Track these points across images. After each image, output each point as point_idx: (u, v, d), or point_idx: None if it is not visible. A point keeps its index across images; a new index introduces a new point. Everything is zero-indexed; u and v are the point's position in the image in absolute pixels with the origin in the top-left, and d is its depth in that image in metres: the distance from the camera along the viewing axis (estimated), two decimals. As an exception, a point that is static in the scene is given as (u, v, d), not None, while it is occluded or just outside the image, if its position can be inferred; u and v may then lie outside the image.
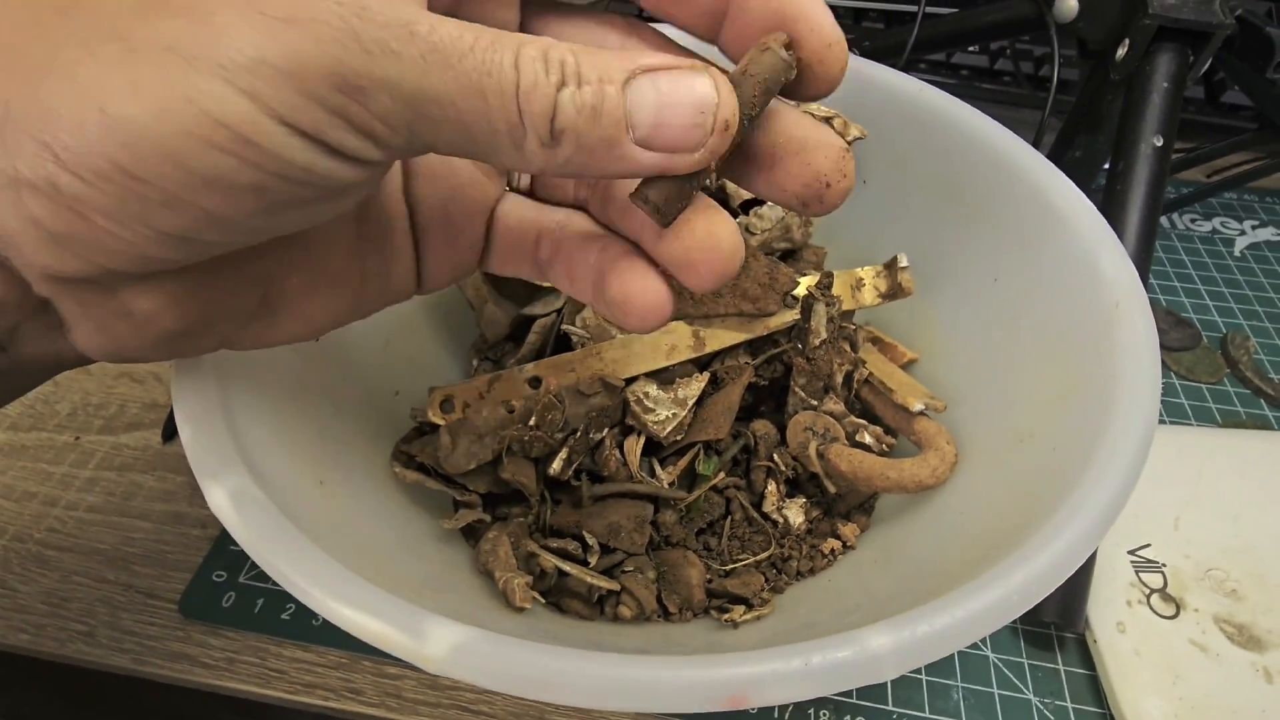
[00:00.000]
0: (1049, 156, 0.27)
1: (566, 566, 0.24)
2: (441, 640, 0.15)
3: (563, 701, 0.14)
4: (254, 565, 0.29)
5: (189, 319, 0.14)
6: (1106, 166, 0.34)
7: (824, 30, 0.14)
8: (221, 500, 0.17)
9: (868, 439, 0.27)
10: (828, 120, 0.32)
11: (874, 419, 0.28)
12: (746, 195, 0.30)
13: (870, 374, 0.28)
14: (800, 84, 0.15)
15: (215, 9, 0.11)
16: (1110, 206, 0.31)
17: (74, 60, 0.11)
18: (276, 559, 0.16)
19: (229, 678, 0.27)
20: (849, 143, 0.31)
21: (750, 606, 0.24)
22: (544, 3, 0.16)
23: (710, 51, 0.16)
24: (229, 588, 0.28)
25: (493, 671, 0.15)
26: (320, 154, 0.12)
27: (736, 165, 0.16)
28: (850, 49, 0.37)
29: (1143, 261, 0.29)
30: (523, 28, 0.16)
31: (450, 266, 0.19)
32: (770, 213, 0.30)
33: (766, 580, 0.25)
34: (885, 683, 0.27)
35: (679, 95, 0.13)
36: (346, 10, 0.11)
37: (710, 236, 0.15)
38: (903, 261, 0.29)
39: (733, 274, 0.15)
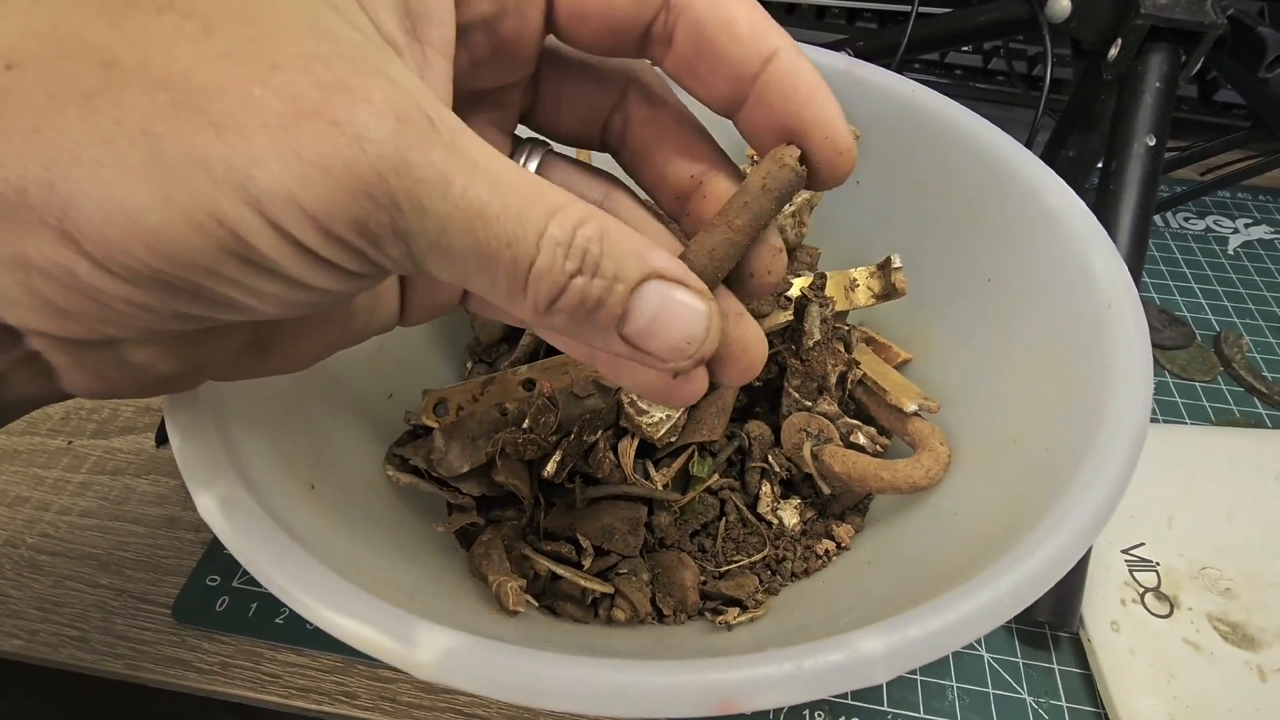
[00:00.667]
0: (1042, 156, 0.27)
1: (560, 569, 0.24)
2: (432, 646, 0.15)
3: (554, 708, 0.14)
4: (247, 570, 0.29)
5: (183, 367, 0.15)
6: (1100, 165, 0.34)
7: (838, 139, 0.15)
8: (211, 508, 0.17)
9: (862, 440, 0.26)
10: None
11: (868, 420, 0.28)
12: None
13: (864, 375, 0.28)
14: (809, 180, 0.16)
15: (253, 133, 0.11)
16: (1103, 206, 0.31)
17: (97, 157, 0.11)
18: (267, 566, 0.16)
19: (223, 682, 0.27)
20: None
21: (744, 608, 0.24)
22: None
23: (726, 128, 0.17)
24: (223, 592, 0.28)
25: (483, 678, 0.15)
26: (335, 277, 0.12)
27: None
28: (844, 49, 0.36)
29: (1136, 261, 0.29)
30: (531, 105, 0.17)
31: (431, 305, 0.19)
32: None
33: (761, 582, 0.25)
34: (880, 684, 0.27)
35: (676, 319, 0.14)
36: (386, 166, 0.11)
37: (740, 343, 0.16)
38: (896, 262, 0.29)
39: (755, 374, 0.16)
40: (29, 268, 0.11)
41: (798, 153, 0.15)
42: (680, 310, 0.13)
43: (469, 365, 0.31)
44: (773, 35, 0.15)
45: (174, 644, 0.27)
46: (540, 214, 0.12)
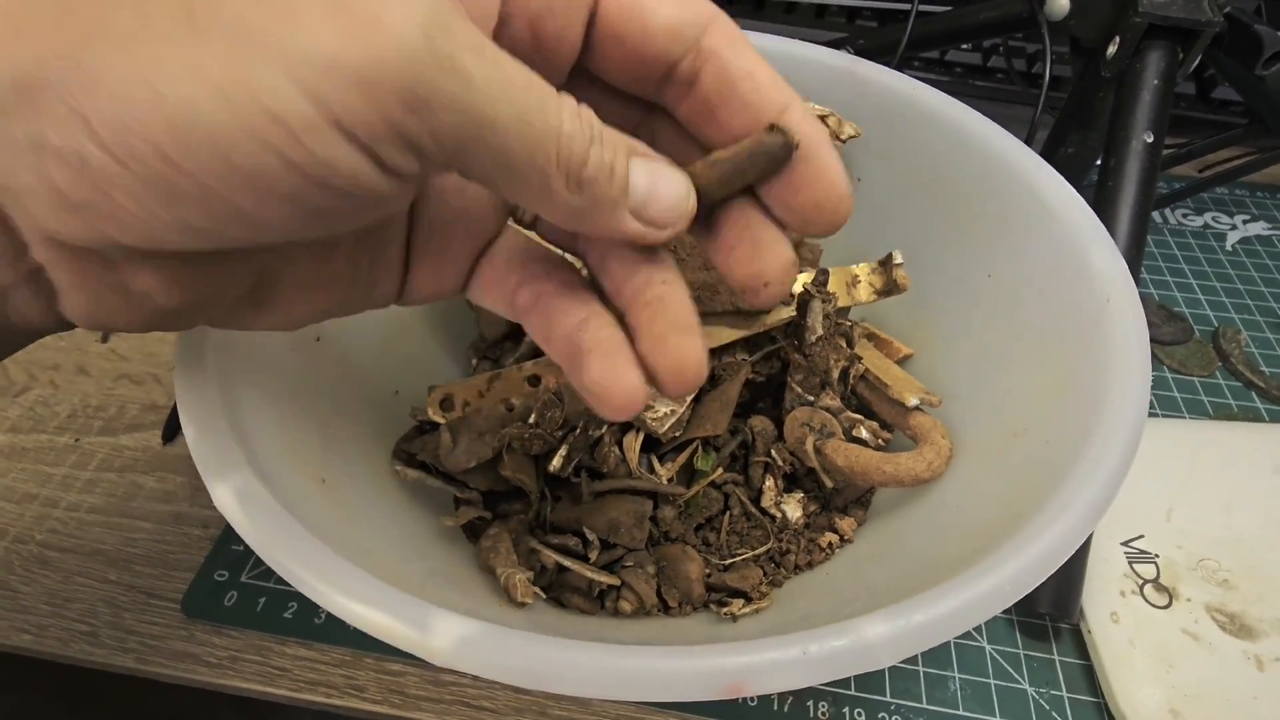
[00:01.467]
0: (1041, 153, 0.28)
1: (567, 562, 0.25)
2: (446, 633, 0.15)
3: (565, 692, 0.15)
4: (256, 564, 0.29)
5: (183, 301, 0.14)
6: (1100, 164, 0.34)
7: (836, 189, 0.16)
8: (227, 499, 0.17)
9: (864, 434, 0.27)
10: (823, 119, 0.32)
11: (870, 414, 0.28)
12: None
13: (866, 370, 0.28)
14: (806, 224, 0.17)
15: (301, 10, 0.10)
16: (1102, 202, 0.31)
17: (129, 28, 0.10)
18: (284, 556, 0.16)
19: (232, 676, 0.27)
20: (843, 140, 0.31)
21: (749, 600, 0.24)
22: None
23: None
24: (231, 587, 0.29)
25: (496, 663, 0.15)
26: (367, 165, 0.12)
27: (701, 235, 0.18)
28: (844, 47, 0.37)
29: (1134, 257, 0.30)
30: None
31: (433, 287, 0.19)
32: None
33: (765, 574, 0.26)
34: (883, 674, 0.27)
35: (665, 183, 0.15)
36: (433, 24, 0.11)
37: (680, 362, 0.16)
38: (898, 258, 0.29)
39: (691, 393, 0.18)
40: (43, 149, 0.11)
41: (781, 136, 0.16)
42: (665, 176, 0.15)
43: (474, 362, 0.31)
44: (788, 90, 0.16)
45: (183, 638, 0.28)
46: (552, 90, 0.13)
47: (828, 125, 0.32)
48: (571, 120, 0.13)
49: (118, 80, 0.10)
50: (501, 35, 0.16)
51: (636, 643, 0.22)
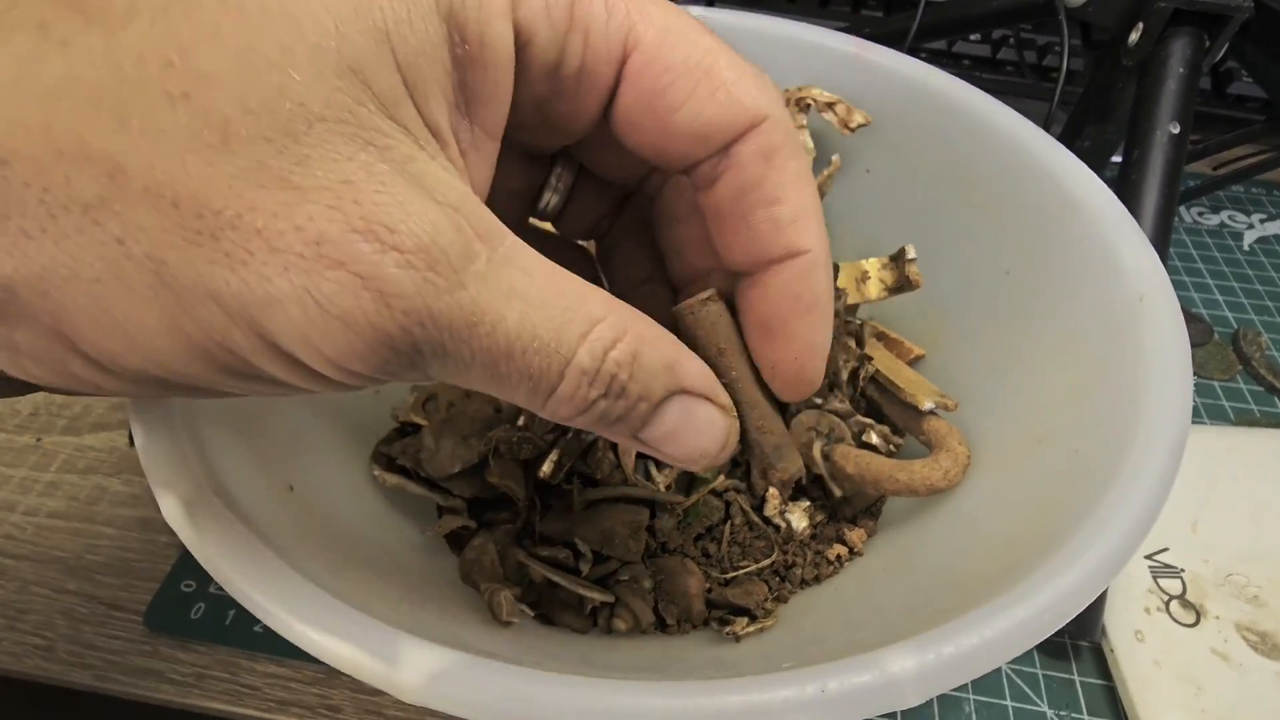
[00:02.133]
0: (1060, 145, 0.26)
1: (556, 577, 0.23)
2: (418, 667, 0.13)
3: (552, 735, 0.13)
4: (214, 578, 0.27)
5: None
6: (1116, 159, 0.33)
7: (810, 367, 0.16)
8: (175, 510, 0.15)
9: (875, 439, 0.25)
10: (830, 106, 0.30)
11: (881, 418, 0.27)
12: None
13: (877, 371, 0.26)
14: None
15: (271, 274, 0.10)
16: (1125, 196, 0.29)
17: (97, 277, 0.09)
18: (234, 575, 0.14)
19: (198, 695, 0.25)
20: (851, 130, 0.30)
21: (753, 618, 0.23)
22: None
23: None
24: (198, 598, 0.27)
25: (473, 702, 0.13)
26: (343, 387, 0.12)
27: None
28: (850, 34, 0.34)
29: (1160, 253, 0.28)
30: None
31: None
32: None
33: (770, 589, 0.24)
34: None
35: (695, 434, 0.14)
36: (411, 321, 0.10)
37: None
38: (910, 253, 0.27)
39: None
40: (17, 352, 0.10)
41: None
42: (701, 426, 0.14)
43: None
44: (811, 236, 0.15)
45: (146, 654, 0.26)
46: (572, 335, 0.12)
47: (835, 113, 0.30)
48: (575, 381, 0.12)
49: (92, 320, 0.10)
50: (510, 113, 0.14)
51: (631, 666, 0.21)
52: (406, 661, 0.13)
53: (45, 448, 0.31)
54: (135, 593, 0.27)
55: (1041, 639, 0.14)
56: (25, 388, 0.14)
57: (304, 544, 0.17)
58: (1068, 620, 0.15)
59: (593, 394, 0.12)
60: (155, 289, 0.10)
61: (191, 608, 0.27)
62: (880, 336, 0.30)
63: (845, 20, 0.50)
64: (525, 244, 0.12)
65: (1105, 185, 0.24)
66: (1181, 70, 0.30)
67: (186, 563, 0.28)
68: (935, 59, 0.51)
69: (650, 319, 0.13)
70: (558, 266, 0.12)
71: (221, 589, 0.27)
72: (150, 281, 0.10)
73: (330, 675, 0.26)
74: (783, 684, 0.13)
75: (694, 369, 0.14)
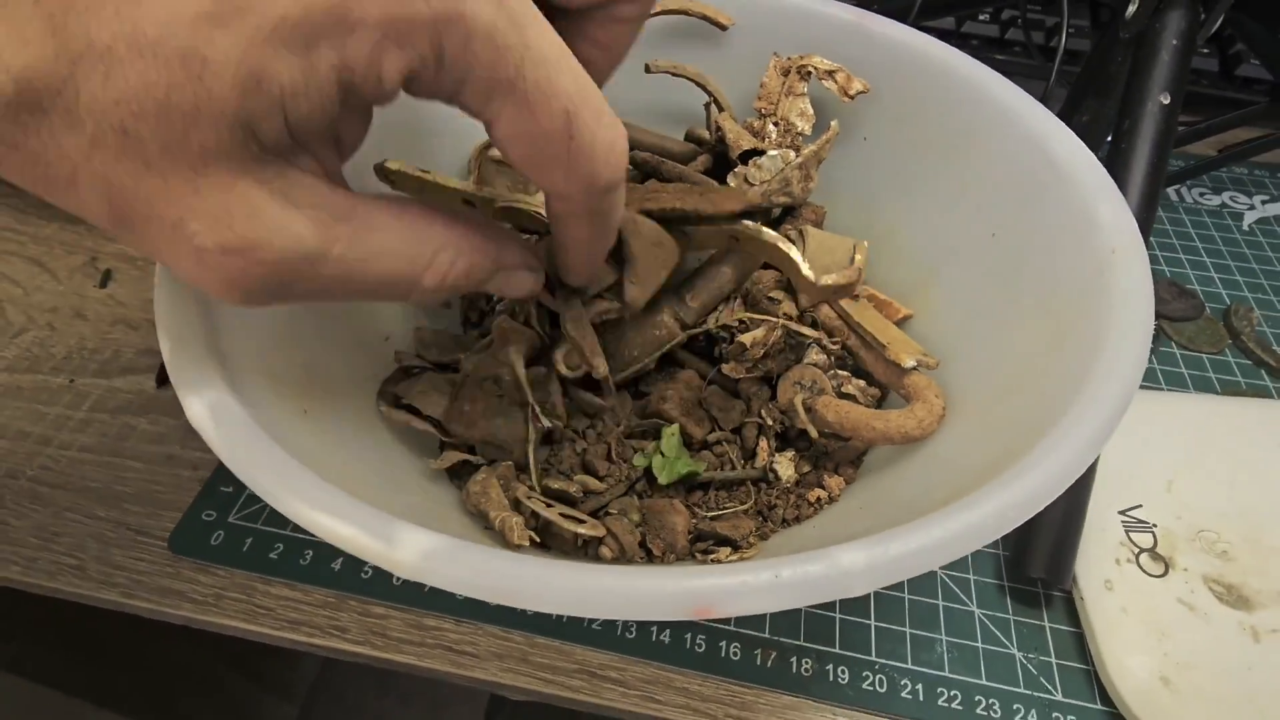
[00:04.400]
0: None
1: (550, 515, 0.24)
2: (413, 546, 0.15)
3: (535, 608, 0.14)
4: (244, 505, 0.29)
5: None
6: (1114, 126, 0.33)
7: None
8: (200, 413, 0.17)
9: (853, 390, 0.26)
10: (830, 74, 0.31)
11: (866, 376, 0.28)
12: (746, 145, 0.30)
13: (860, 325, 0.27)
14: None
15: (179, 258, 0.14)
16: (1115, 164, 0.30)
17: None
18: (250, 466, 0.16)
19: (216, 613, 0.27)
20: (851, 97, 0.31)
21: (736, 548, 0.24)
22: None
23: None
24: (218, 526, 0.29)
25: (463, 578, 0.15)
26: None
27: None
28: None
29: (1145, 218, 0.29)
30: None
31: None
32: (770, 164, 0.29)
33: (754, 527, 0.25)
34: (869, 633, 0.27)
35: (516, 288, 0.20)
36: (283, 292, 0.15)
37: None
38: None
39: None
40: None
41: None
42: (517, 283, 0.19)
43: (465, 315, 0.31)
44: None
45: (169, 575, 0.28)
46: (420, 269, 0.17)
47: (836, 81, 0.31)
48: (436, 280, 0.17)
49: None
50: None
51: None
52: (402, 542, 0.15)
53: (78, 388, 0.33)
54: (160, 520, 0.29)
55: (982, 543, 0.16)
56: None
57: (314, 456, 0.19)
58: (1011, 526, 0.16)
59: (444, 296, 0.18)
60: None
61: (212, 535, 0.28)
62: (870, 298, 0.31)
63: (854, -1, 0.51)
64: (379, 204, 0.16)
65: (1088, 150, 0.25)
66: (1175, 42, 0.31)
67: (208, 494, 0.30)
68: (944, 39, 0.51)
69: (481, 233, 0.17)
70: (403, 212, 0.16)
71: (240, 519, 0.29)
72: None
73: (340, 599, 0.27)
74: (741, 571, 0.15)
75: (510, 255, 0.19)
